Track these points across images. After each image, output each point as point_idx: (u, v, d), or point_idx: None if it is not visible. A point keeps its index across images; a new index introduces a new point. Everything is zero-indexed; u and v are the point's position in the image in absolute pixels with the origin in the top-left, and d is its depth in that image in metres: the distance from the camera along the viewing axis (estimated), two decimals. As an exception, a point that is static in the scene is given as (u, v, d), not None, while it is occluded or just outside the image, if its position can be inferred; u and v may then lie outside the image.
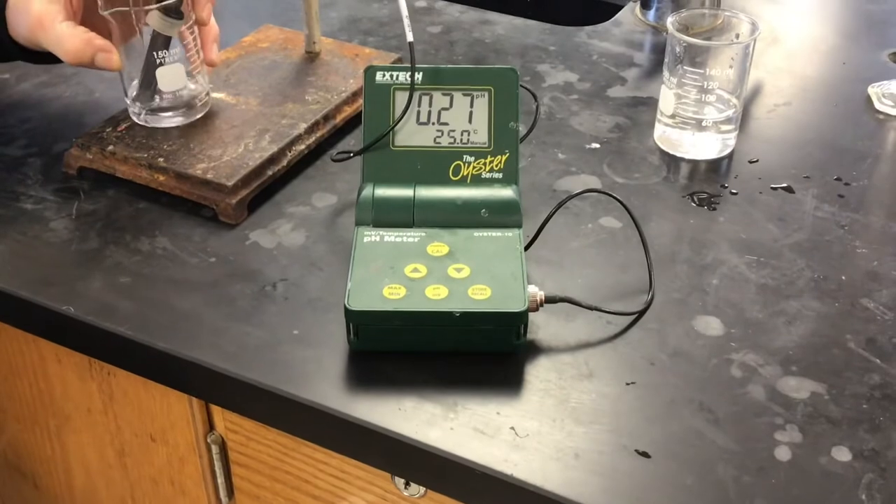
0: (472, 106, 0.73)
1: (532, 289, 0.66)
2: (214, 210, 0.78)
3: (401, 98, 0.73)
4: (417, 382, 0.64)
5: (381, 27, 1.06)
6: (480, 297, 0.65)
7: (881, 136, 0.90)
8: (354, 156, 0.76)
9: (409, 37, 0.73)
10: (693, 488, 0.58)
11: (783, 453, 0.60)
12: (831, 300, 0.71)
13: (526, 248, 0.71)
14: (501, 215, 0.71)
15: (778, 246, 0.76)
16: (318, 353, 0.67)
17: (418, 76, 0.73)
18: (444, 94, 0.73)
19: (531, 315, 0.66)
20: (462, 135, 0.73)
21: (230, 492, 0.80)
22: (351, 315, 0.64)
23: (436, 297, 0.65)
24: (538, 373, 0.65)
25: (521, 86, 0.74)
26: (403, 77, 0.73)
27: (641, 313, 0.70)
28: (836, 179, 0.84)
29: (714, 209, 0.80)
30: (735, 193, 0.82)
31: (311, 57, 0.94)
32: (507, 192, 0.72)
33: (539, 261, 0.74)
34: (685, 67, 0.83)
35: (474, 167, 0.73)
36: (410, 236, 0.70)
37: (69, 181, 0.82)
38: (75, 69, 0.96)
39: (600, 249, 0.76)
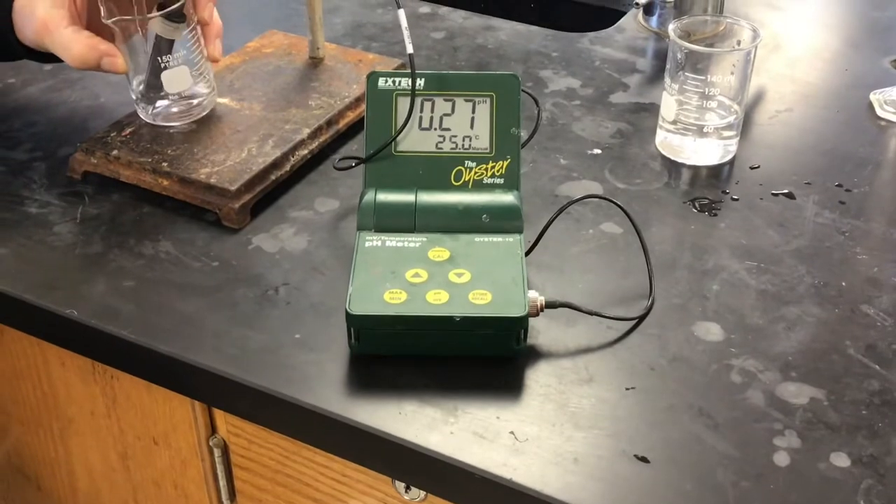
0: (473, 112, 0.74)
1: (532, 294, 0.66)
2: (217, 214, 0.78)
3: (403, 104, 0.73)
4: (418, 386, 0.65)
5: (385, 33, 1.07)
6: (481, 301, 0.65)
7: (882, 143, 0.90)
8: (357, 165, 0.76)
9: (409, 48, 0.74)
10: (692, 494, 0.58)
11: (782, 459, 0.60)
12: (831, 306, 0.71)
13: (527, 254, 0.71)
14: (502, 220, 0.71)
15: (778, 252, 0.76)
16: (320, 357, 0.67)
17: (421, 82, 0.74)
18: (446, 100, 0.74)
19: (531, 320, 0.67)
20: (464, 140, 0.74)
21: (232, 495, 0.80)
22: (352, 319, 0.64)
23: (436, 301, 0.65)
24: (538, 377, 0.65)
25: (523, 91, 0.75)
26: (406, 83, 0.74)
27: (641, 319, 0.70)
28: (837, 186, 0.84)
29: (715, 215, 0.80)
30: (736, 199, 0.82)
31: (315, 62, 0.94)
32: (508, 198, 0.72)
33: (540, 266, 0.74)
34: (687, 74, 0.83)
35: (476, 173, 0.73)
36: (412, 241, 0.70)
37: (74, 185, 0.83)
38: (81, 74, 0.96)
39: (601, 255, 0.76)
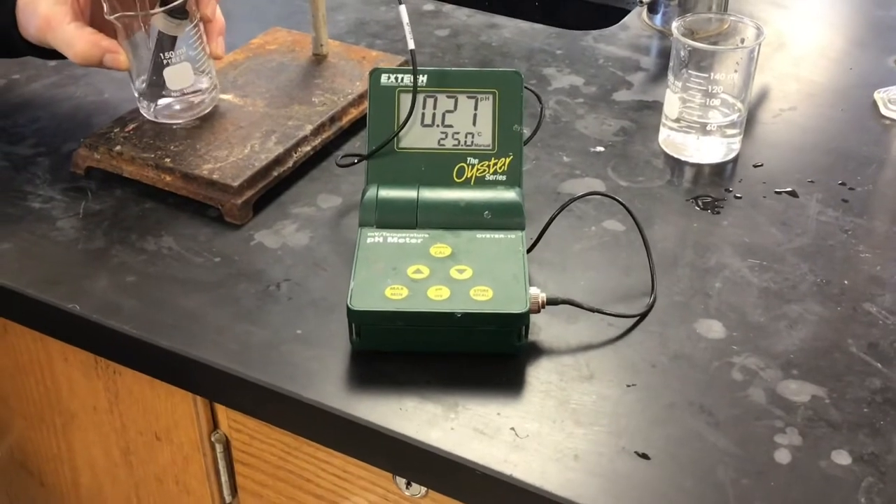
0: (476, 108, 0.74)
1: (534, 290, 0.66)
2: (220, 210, 0.78)
3: (405, 100, 0.73)
4: (419, 383, 0.65)
5: (389, 30, 1.07)
6: (482, 298, 0.65)
7: (886, 142, 0.90)
8: (359, 161, 0.76)
9: (411, 44, 0.74)
10: (692, 491, 0.58)
11: (783, 456, 0.60)
12: (833, 304, 0.71)
13: (529, 251, 0.71)
14: (504, 217, 0.71)
15: (781, 250, 0.76)
16: (321, 352, 0.67)
17: (423, 78, 0.74)
18: (448, 97, 0.74)
19: (533, 316, 0.67)
20: (466, 137, 0.74)
21: (234, 490, 0.80)
22: (353, 315, 0.64)
23: (438, 297, 0.65)
24: (539, 374, 0.65)
25: (526, 88, 0.75)
26: (408, 80, 0.74)
27: (643, 316, 0.70)
28: (840, 184, 0.84)
29: (718, 213, 0.80)
30: (739, 197, 0.82)
31: (319, 59, 0.94)
32: (510, 195, 0.72)
33: (542, 263, 0.74)
34: (690, 72, 0.83)
35: (478, 169, 0.73)
36: (413, 237, 0.70)
37: (77, 181, 0.83)
38: (85, 70, 0.97)
39: (603, 252, 0.76)
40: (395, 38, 1.05)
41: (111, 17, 0.78)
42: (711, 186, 0.83)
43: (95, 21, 0.81)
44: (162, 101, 0.84)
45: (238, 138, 0.83)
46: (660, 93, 0.94)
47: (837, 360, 0.67)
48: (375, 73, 0.74)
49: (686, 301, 0.71)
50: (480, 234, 0.71)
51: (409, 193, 0.72)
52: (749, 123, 0.89)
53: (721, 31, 0.89)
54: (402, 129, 0.73)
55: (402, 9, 0.75)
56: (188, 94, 0.84)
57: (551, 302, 0.68)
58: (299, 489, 0.75)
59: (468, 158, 0.73)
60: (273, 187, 0.81)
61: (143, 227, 0.78)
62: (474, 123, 0.74)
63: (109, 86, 0.95)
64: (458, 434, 0.61)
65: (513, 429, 0.62)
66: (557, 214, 0.73)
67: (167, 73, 0.81)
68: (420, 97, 0.74)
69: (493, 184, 0.73)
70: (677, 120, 0.86)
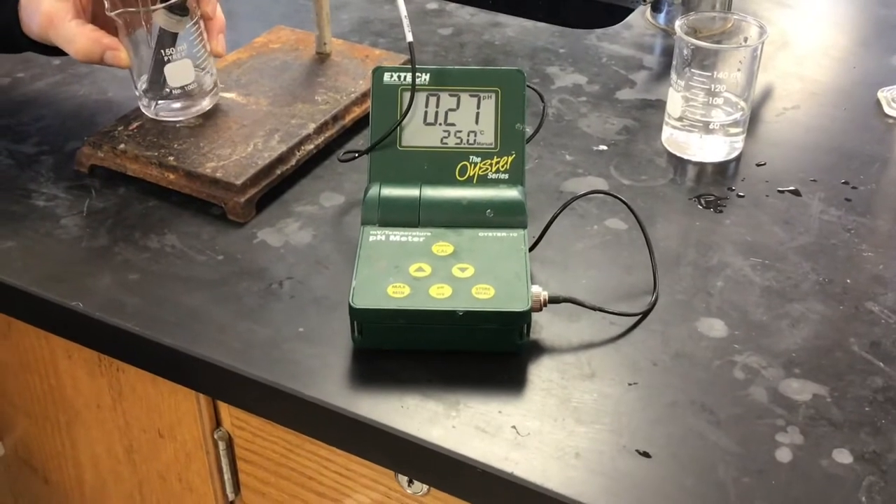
0: (478, 107, 0.74)
1: (535, 289, 0.66)
2: (223, 208, 0.79)
3: (408, 99, 0.74)
4: (420, 380, 0.65)
5: (392, 29, 1.07)
6: (484, 296, 0.65)
7: (889, 141, 0.89)
8: (360, 156, 0.76)
9: (409, 37, 0.74)
10: (693, 489, 0.58)
11: (784, 455, 0.60)
12: (836, 303, 0.71)
13: (531, 249, 0.71)
14: (506, 216, 0.72)
15: (783, 249, 0.76)
16: (323, 350, 0.67)
17: (426, 77, 0.74)
18: (451, 95, 0.74)
19: (535, 315, 0.67)
20: (469, 135, 0.74)
21: (237, 488, 0.80)
22: (355, 313, 0.65)
23: (439, 296, 0.65)
24: (540, 372, 0.66)
25: (529, 86, 0.75)
26: (411, 78, 0.74)
27: (645, 314, 0.70)
28: (843, 183, 0.83)
29: (720, 212, 0.80)
30: (742, 196, 0.82)
31: (322, 58, 0.94)
32: (512, 193, 0.72)
33: (544, 261, 0.74)
34: (693, 70, 0.83)
35: (480, 168, 0.73)
36: (416, 236, 0.70)
37: (81, 179, 0.83)
38: (89, 69, 0.97)
39: (605, 251, 0.76)
40: (398, 37, 1.05)
41: (112, 14, 0.78)
42: (714, 185, 0.83)
43: (97, 19, 0.81)
44: (163, 100, 0.84)
45: (241, 136, 0.83)
46: (663, 91, 0.94)
47: (839, 359, 0.67)
48: (378, 72, 0.74)
49: (688, 300, 0.71)
50: (482, 233, 0.71)
51: (411, 192, 0.72)
52: (752, 122, 0.89)
53: (724, 29, 0.89)
54: (403, 118, 0.73)
55: (400, 1, 0.75)
56: (188, 92, 0.84)
57: (553, 300, 0.68)
58: (302, 487, 0.75)
59: (470, 157, 0.74)
60: (276, 185, 0.81)
61: (147, 225, 0.78)
62: (477, 122, 0.74)
63: (113, 84, 0.95)
64: (460, 432, 0.61)
65: (514, 427, 0.62)
66: (560, 213, 0.73)
67: (168, 69, 0.81)
68: (423, 96, 0.74)
69: (496, 182, 0.73)
70: (680, 118, 0.86)
